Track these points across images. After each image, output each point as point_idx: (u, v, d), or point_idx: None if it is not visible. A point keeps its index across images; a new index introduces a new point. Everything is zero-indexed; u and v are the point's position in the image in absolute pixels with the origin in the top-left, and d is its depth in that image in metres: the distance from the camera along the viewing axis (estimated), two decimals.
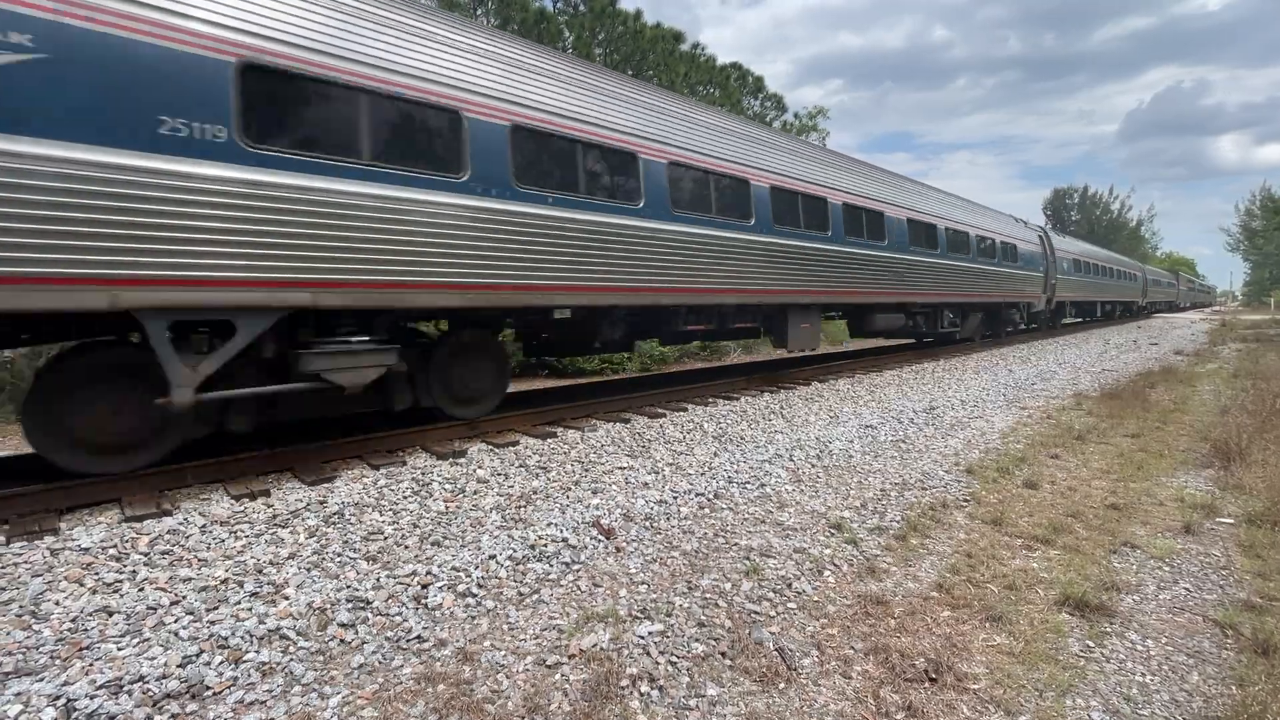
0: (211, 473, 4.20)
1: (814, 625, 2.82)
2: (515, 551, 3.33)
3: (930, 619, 2.86)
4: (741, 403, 7.37)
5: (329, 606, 2.74)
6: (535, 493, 4.24)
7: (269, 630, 2.56)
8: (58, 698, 2.10)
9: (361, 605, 2.76)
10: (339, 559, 3.18)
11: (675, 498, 4.20)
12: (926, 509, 4.23)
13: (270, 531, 3.40)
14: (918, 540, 3.75)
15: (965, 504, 4.38)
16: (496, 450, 5.08)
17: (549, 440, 5.42)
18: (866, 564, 3.43)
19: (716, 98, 19.64)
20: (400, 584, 2.95)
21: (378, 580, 2.96)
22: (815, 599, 3.05)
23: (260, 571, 3.01)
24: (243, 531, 3.38)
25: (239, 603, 2.75)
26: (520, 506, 3.98)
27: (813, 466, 5.13)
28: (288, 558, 3.15)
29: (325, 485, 4.10)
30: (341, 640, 2.57)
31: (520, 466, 4.71)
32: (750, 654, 2.56)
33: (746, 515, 4.07)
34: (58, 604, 2.64)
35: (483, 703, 2.23)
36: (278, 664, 2.40)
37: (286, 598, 2.80)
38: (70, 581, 2.81)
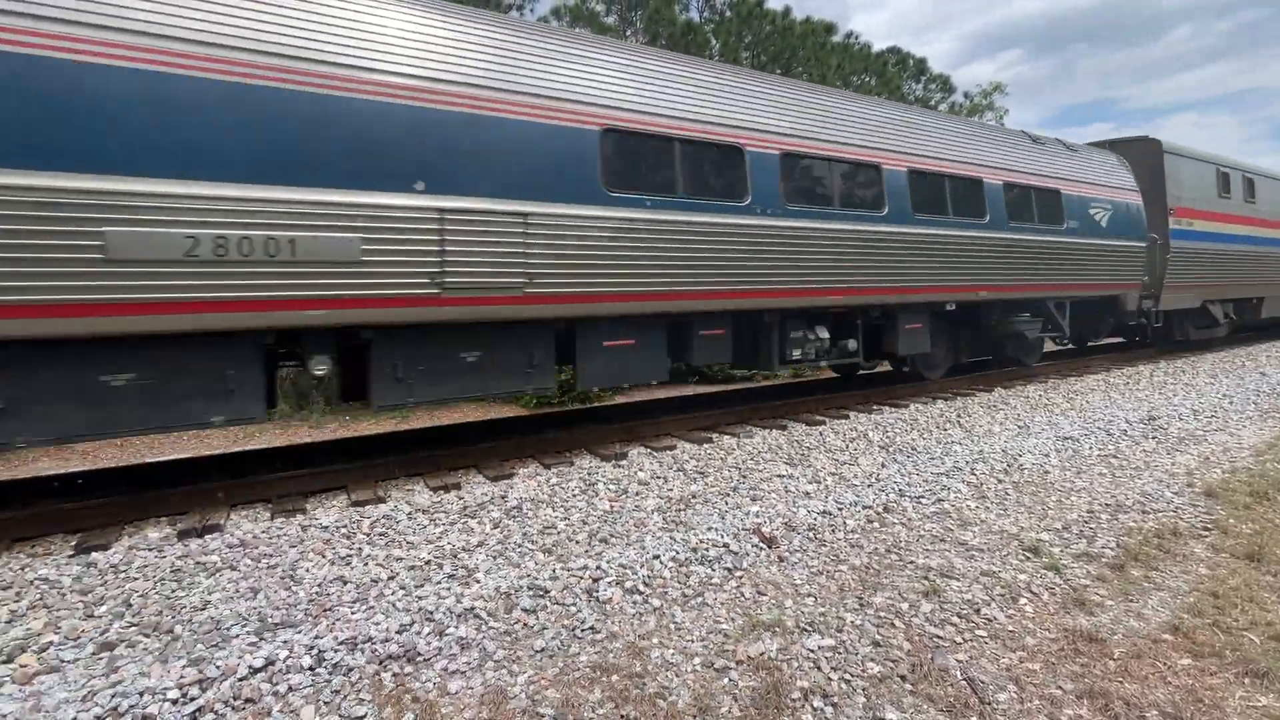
0: (413, 466, 4.81)
1: (1010, 657, 2.53)
2: (677, 553, 3.39)
3: (1163, 666, 2.43)
4: (910, 410, 6.84)
5: (513, 592, 3.00)
6: (694, 497, 4.29)
7: (465, 609, 2.86)
8: (312, 648, 2.53)
9: (541, 593, 2.99)
10: (519, 549, 3.48)
11: (840, 509, 4.01)
12: (1150, 536, 3.60)
13: (462, 521, 3.81)
14: (1140, 572, 3.20)
15: (1206, 533, 3.66)
16: (655, 454, 5.22)
17: (705, 445, 5.46)
18: (1073, 594, 3.00)
19: (873, 86, 18.55)
20: (574, 576, 3.15)
21: (553, 572, 3.18)
22: (1010, 629, 2.73)
23: (455, 556, 3.39)
24: (440, 520, 3.83)
25: (439, 582, 3.11)
26: (680, 510, 4.05)
27: (999, 482, 4.61)
28: (477, 545, 3.51)
29: (505, 481, 4.50)
30: (525, 625, 2.80)
31: (678, 470, 4.80)
32: (934, 680, 2.36)
33: (922, 532, 3.77)
34: (308, 571, 3.18)
35: (654, 697, 2.30)
36: (473, 640, 2.68)
37: (477, 581, 3.12)
38: (315, 554, 3.37)
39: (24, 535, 3.55)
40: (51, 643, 2.57)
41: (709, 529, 3.68)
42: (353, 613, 2.83)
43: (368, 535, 3.59)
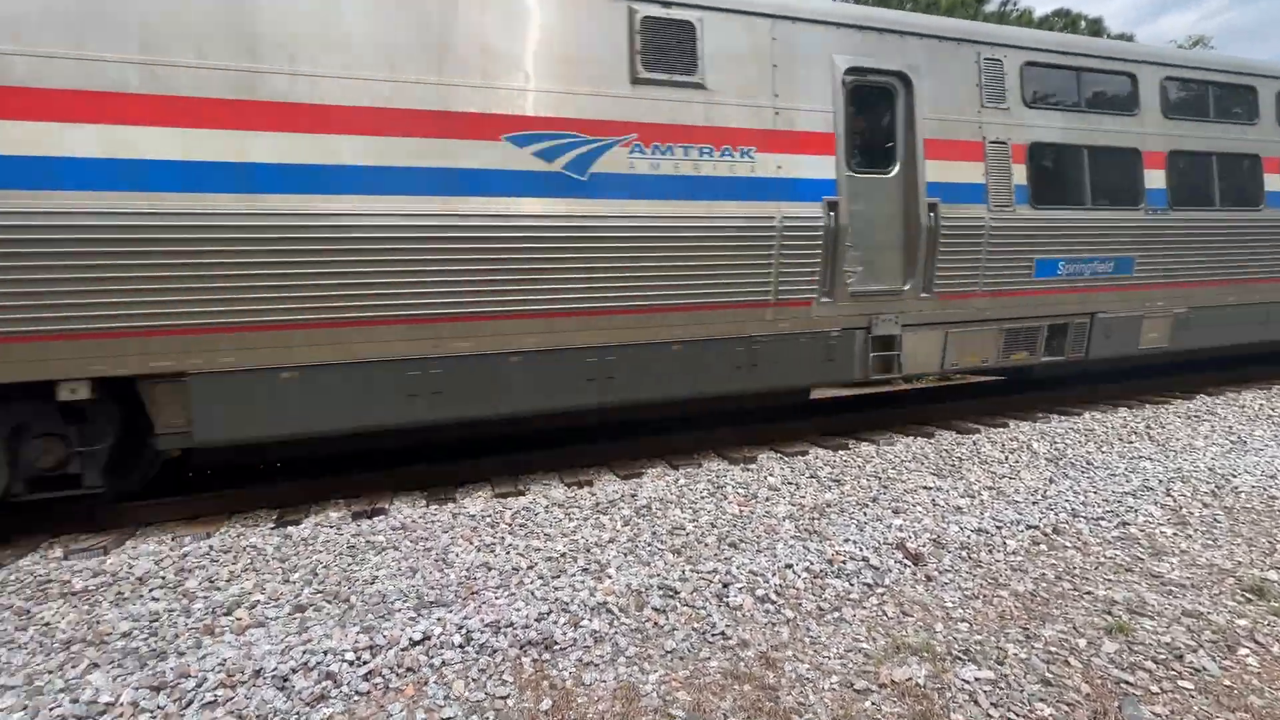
0: (550, 462, 5.06)
1: (1227, 718, 2.12)
2: (811, 564, 3.25)
3: None
4: (1085, 418, 6.01)
5: (644, 590, 3.03)
6: (829, 505, 4.08)
7: (598, 603, 2.94)
8: (461, 627, 2.73)
9: (671, 594, 3.00)
10: (649, 548, 3.52)
11: (998, 528, 3.61)
12: None
13: (595, 517, 3.93)
14: None
15: None
16: (786, 459, 5.05)
17: (840, 452, 5.18)
18: None
19: None
20: (703, 579, 3.12)
21: (683, 573, 3.18)
22: (1226, 683, 2.29)
23: (588, 551, 3.50)
24: (574, 515, 3.98)
25: (574, 575, 3.23)
26: (814, 518, 3.88)
27: (1205, 506, 3.90)
28: (608, 541, 3.60)
29: (635, 480, 4.58)
30: (656, 624, 2.82)
31: (810, 477, 4.60)
32: None
33: (1102, 559, 3.29)
34: (458, 556, 3.45)
35: (789, 713, 2.21)
36: (606, 634, 2.75)
37: (609, 577, 3.19)
38: (464, 540, 3.65)
39: (239, 509, 4.21)
40: (259, 601, 3.01)
41: (846, 540, 3.48)
42: (496, 597, 3.02)
43: (509, 526, 3.82)
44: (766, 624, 2.81)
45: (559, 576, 3.22)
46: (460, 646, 2.65)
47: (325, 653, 2.59)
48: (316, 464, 5.19)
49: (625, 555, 3.44)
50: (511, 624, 2.77)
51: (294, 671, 2.49)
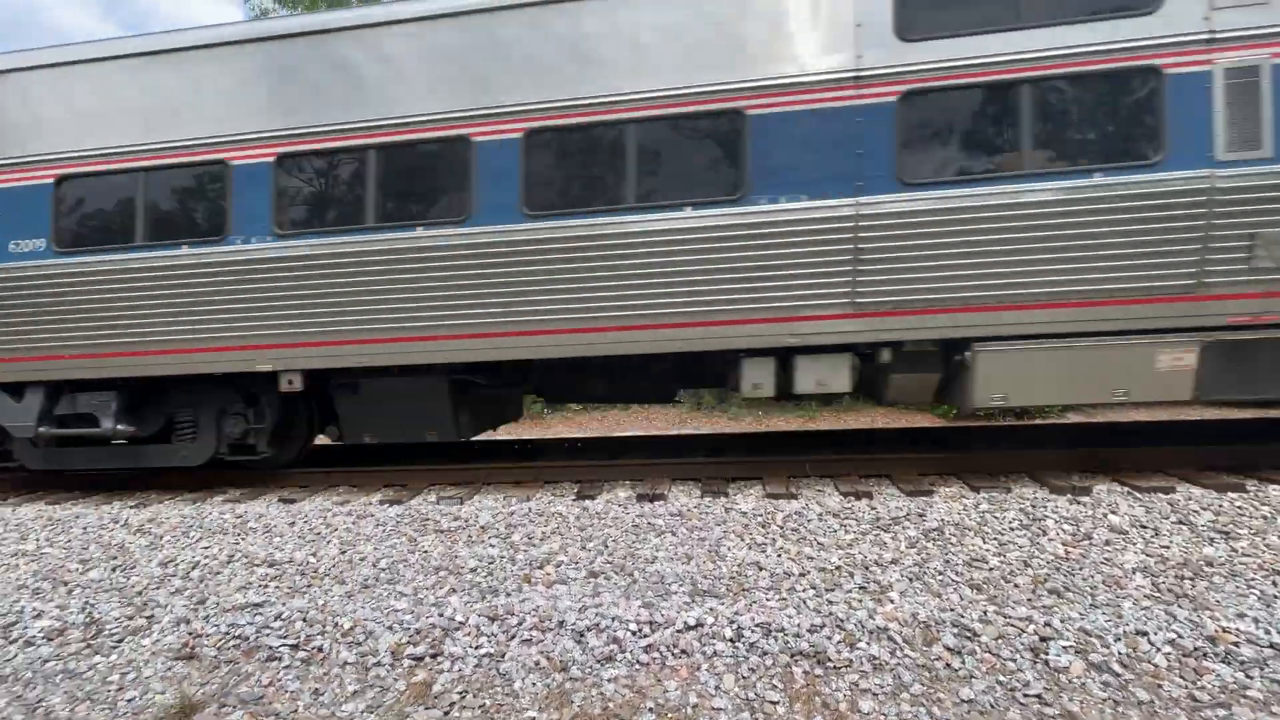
0: (824, 468, 4.83)
1: None
2: (1179, 637, 2.47)
3: None
4: None
5: (933, 624, 2.67)
6: (1209, 564, 3.06)
7: (878, 627, 2.69)
8: (732, 622, 2.76)
9: (968, 635, 2.58)
10: (940, 577, 3.09)
11: None
12: None
13: (874, 533, 3.61)
14: None
15: None
16: (1137, 495, 3.95)
17: (1231, 494, 3.85)
18: None
19: None
20: (1011, 626, 2.61)
21: (984, 613, 2.71)
22: None
23: (866, 568, 3.23)
24: (850, 527, 3.72)
25: (850, 591, 3.01)
26: (1184, 577, 2.95)
27: None
28: (890, 562, 3.27)
29: (923, 498, 4.09)
30: (948, 665, 2.46)
31: (1178, 523, 3.51)
32: None
33: None
34: (729, 551, 3.51)
35: None
36: (886, 663, 2.49)
37: (891, 601, 2.89)
38: (735, 536, 3.70)
39: (551, 480, 4.97)
40: (562, 562, 3.49)
41: (1240, 615, 2.56)
42: (767, 599, 2.98)
43: (780, 528, 3.75)
44: (1106, 699, 2.22)
45: (833, 590, 3.03)
46: (731, 641, 2.68)
47: (613, 619, 2.86)
48: (605, 448, 5.85)
49: (910, 580, 3.08)
50: (782, 629, 2.70)
51: (589, 630, 2.81)
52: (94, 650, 2.93)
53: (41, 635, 3.04)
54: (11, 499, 5.32)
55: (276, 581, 3.44)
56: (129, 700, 2.56)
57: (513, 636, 2.84)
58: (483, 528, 3.94)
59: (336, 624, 2.97)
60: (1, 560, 3.93)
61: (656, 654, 2.66)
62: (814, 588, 3.06)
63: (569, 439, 6.71)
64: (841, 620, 2.73)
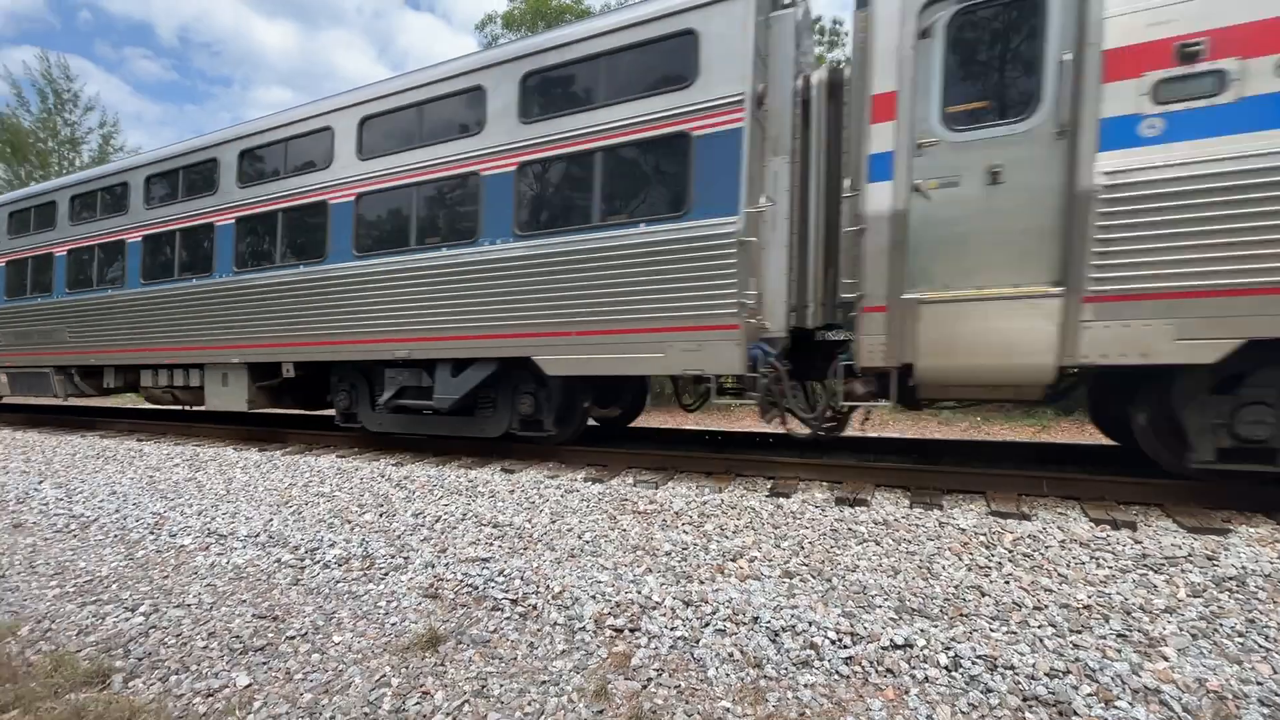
0: (1064, 487, 4.12)
1: None
2: None
3: None
4: None
5: (1232, 696, 2.12)
6: None
7: (1145, 686, 2.21)
8: (948, 648, 2.48)
9: None
10: (1241, 641, 2.44)
11: None
12: None
13: (1138, 572, 2.98)
14: None
15: None
16: None
17: None
18: None
19: None
20: None
21: None
22: None
23: (1128, 614, 2.67)
24: (1104, 561, 3.11)
25: (1104, 638, 2.51)
26: None
27: None
28: (1164, 610, 2.66)
29: (1213, 537, 3.27)
30: None
31: None
32: None
33: None
34: (944, 569, 3.15)
35: None
36: None
37: (1165, 658, 2.36)
38: (952, 553, 3.31)
39: (743, 473, 4.93)
40: (755, 558, 3.43)
41: None
42: (990, 629, 2.62)
43: (1009, 551, 3.27)
44: None
45: (1080, 632, 2.56)
46: (946, 669, 2.40)
47: (810, 623, 2.74)
48: (795, 445, 5.62)
49: (1195, 638, 2.47)
50: (1012, 667, 2.35)
51: (784, 630, 2.73)
52: (368, 578, 3.59)
53: (335, 561, 3.81)
54: (315, 451, 6.76)
55: (499, 541, 3.89)
56: (392, 624, 3.09)
57: (706, 624, 2.86)
58: (676, 514, 4.04)
59: (548, 586, 3.26)
60: (309, 499, 4.99)
61: (858, 668, 2.49)
62: (1053, 625, 2.62)
63: (759, 433, 6.59)
64: (1093, 670, 2.29)
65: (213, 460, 6.36)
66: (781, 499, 4.19)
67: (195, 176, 7.64)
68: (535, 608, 3.14)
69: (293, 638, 2.98)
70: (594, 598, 3.14)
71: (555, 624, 3.01)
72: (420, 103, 5.94)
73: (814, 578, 3.18)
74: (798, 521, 3.79)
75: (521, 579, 3.36)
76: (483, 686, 2.54)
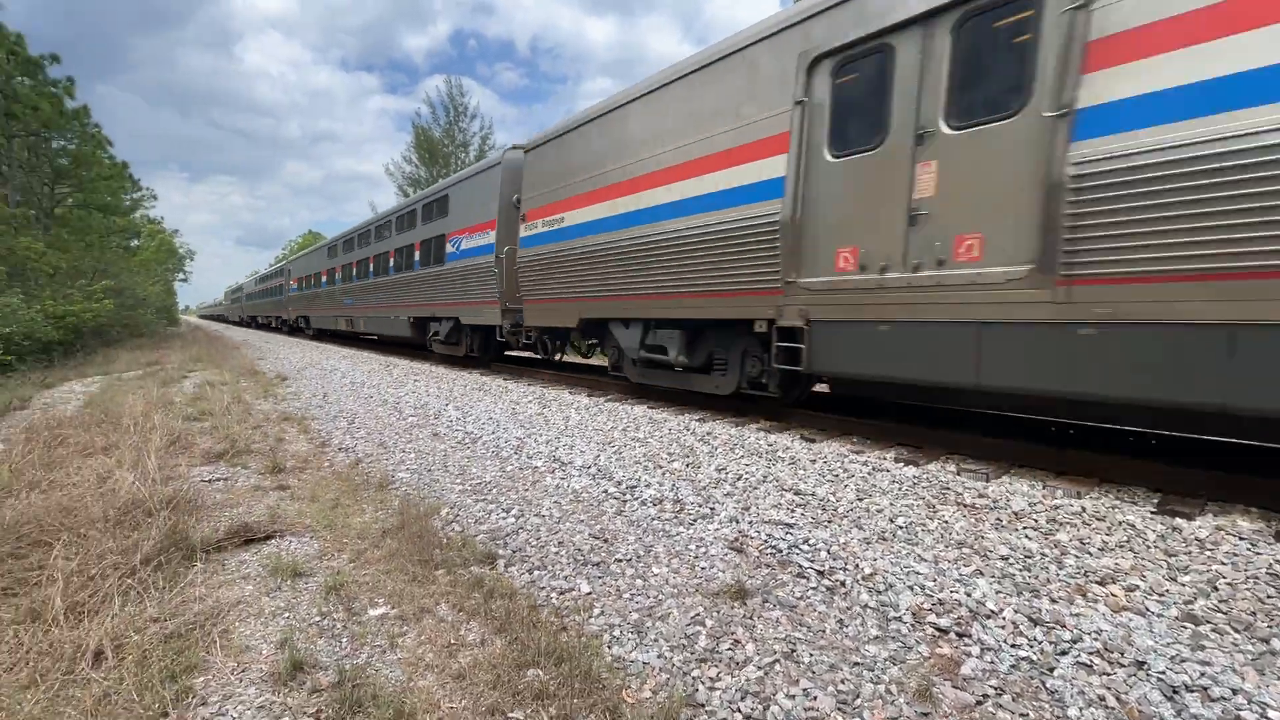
0: None
1: None
2: None
3: None
4: None
5: None
6: None
7: None
8: None
9: None
10: None
11: None
12: None
13: None
14: None
15: None
16: None
17: None
18: None
19: None
20: None
21: None
22: None
23: None
24: None
25: None
26: None
27: None
28: None
29: None
30: None
31: None
32: None
33: None
34: None
35: None
36: None
37: None
38: None
39: (1115, 480, 3.92)
40: (1136, 586, 2.70)
41: None
42: None
43: None
44: None
45: None
46: None
47: (1234, 691, 2.04)
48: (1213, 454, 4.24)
49: None
50: None
51: (1188, 689, 2.08)
52: (679, 521, 3.88)
53: (650, 500, 4.20)
54: (629, 400, 7.61)
55: (801, 509, 3.81)
56: (701, 568, 3.27)
57: (1063, 652, 2.35)
58: (1016, 514, 3.41)
59: (857, 565, 3.07)
60: (626, 443, 5.63)
61: None
62: None
63: (1134, 431, 5.17)
64: None
65: (555, 401, 7.64)
66: (1179, 520, 3.21)
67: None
68: (843, 584, 2.98)
69: (620, 561, 3.37)
70: (910, 588, 2.85)
71: (866, 606, 2.82)
72: None
73: (1238, 632, 2.36)
74: (1206, 554, 2.86)
75: (828, 552, 3.23)
76: (792, 650, 2.51)
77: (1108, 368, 3.53)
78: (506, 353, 12.48)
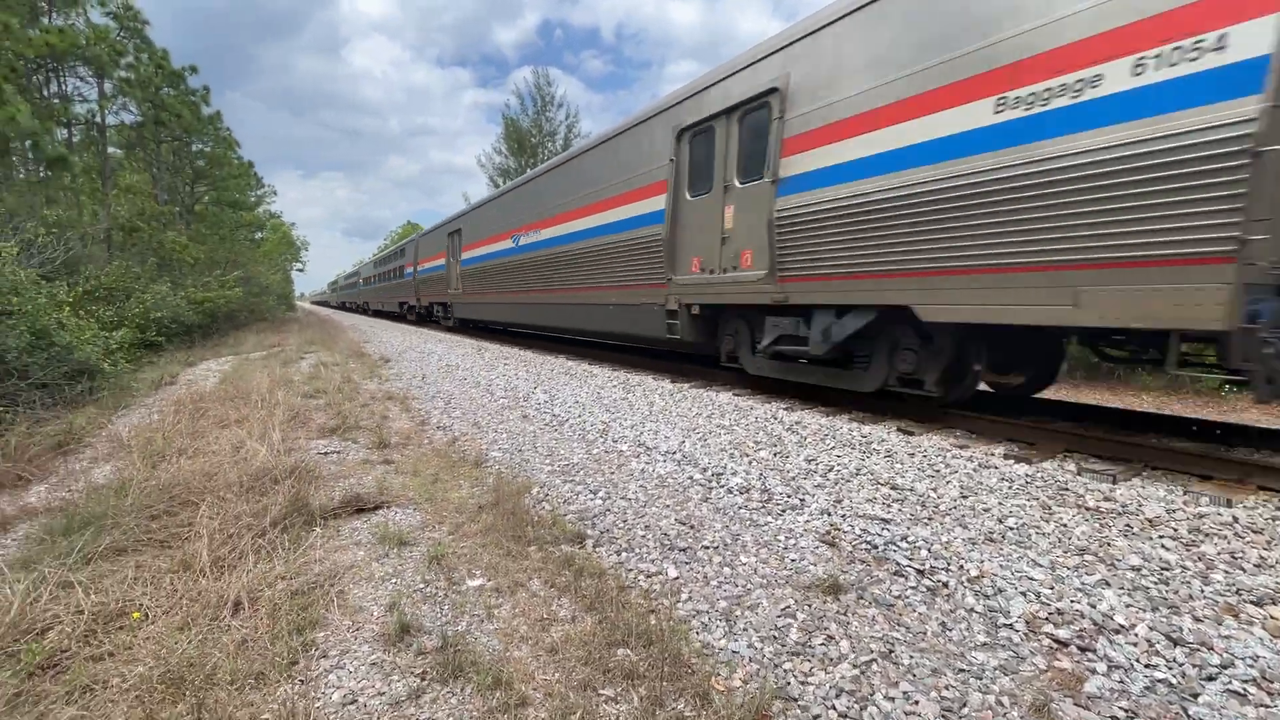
0: None
1: None
2: None
3: None
4: None
5: None
6: None
7: None
8: None
9: None
10: None
11: None
12: None
13: None
14: None
15: None
16: None
17: None
18: None
19: None
20: None
21: None
22: None
23: None
24: None
25: None
26: None
27: None
28: None
29: None
30: None
31: None
32: None
33: None
34: None
35: None
36: None
37: None
38: None
39: (1269, 486, 3.46)
40: None
41: None
42: None
43: None
44: None
45: None
46: None
47: None
48: None
49: None
50: None
51: None
52: (766, 511, 3.80)
53: (737, 488, 4.14)
54: (714, 387, 7.53)
55: (899, 505, 3.62)
56: (791, 560, 3.19)
57: (1210, 677, 2.10)
58: (1150, 520, 3.08)
59: (961, 567, 2.89)
60: (711, 429, 5.57)
61: None
62: None
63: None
64: None
65: (639, 386, 7.69)
66: None
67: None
68: (946, 585, 2.81)
69: (706, 548, 3.35)
70: (1023, 594, 2.64)
71: (972, 610, 2.64)
72: None
73: None
74: None
75: (928, 550, 3.06)
76: (890, 650, 2.40)
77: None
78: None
